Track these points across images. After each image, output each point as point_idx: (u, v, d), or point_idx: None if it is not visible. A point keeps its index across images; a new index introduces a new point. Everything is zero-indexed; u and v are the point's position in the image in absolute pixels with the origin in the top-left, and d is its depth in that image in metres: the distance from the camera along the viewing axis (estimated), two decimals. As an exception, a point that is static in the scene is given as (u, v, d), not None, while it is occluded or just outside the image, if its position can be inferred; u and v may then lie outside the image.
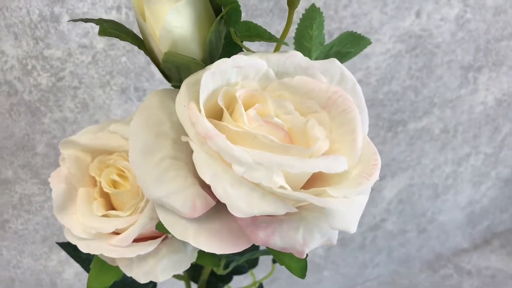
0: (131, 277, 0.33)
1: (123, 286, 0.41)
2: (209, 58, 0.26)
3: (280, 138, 0.24)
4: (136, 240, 0.29)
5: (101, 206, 0.30)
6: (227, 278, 0.46)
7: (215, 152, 0.23)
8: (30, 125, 0.53)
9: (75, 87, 0.52)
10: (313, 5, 0.32)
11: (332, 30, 0.60)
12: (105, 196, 0.31)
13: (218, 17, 0.25)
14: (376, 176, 0.24)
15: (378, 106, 0.73)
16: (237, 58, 0.24)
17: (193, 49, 0.25)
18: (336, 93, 0.25)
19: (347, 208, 0.24)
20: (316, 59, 0.33)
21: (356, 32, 0.34)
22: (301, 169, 0.22)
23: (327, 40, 0.34)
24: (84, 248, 0.29)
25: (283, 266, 0.28)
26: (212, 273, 0.45)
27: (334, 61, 0.27)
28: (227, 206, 0.23)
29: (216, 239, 0.25)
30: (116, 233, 0.29)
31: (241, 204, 0.23)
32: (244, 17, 0.55)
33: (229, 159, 0.22)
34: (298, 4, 0.26)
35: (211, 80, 0.23)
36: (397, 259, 1.02)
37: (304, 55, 0.32)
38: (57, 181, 0.29)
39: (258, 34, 0.25)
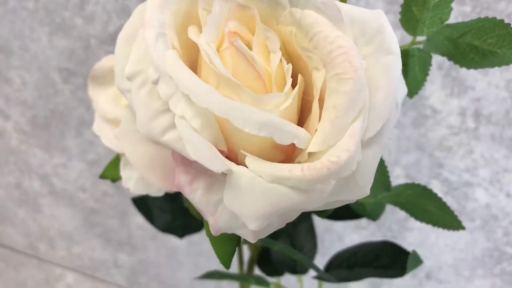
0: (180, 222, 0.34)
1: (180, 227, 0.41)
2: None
3: (244, 73, 0.19)
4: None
5: None
6: (278, 271, 0.40)
7: None
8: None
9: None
10: (442, -41, 0.22)
11: None
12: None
13: None
14: (318, 176, 0.16)
15: None
16: None
17: None
18: (340, 49, 0.17)
19: (250, 189, 0.17)
20: (428, 38, 0.24)
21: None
22: (208, 105, 0.16)
23: None
24: (95, 126, 0.29)
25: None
26: (264, 261, 0.40)
27: (379, 14, 0.18)
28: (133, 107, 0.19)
29: (148, 160, 0.22)
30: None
31: (145, 119, 0.18)
32: None
33: (149, 58, 0.18)
34: None
35: None
36: None
37: (408, 25, 0.24)
38: (111, 58, 0.30)
39: None
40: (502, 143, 0.51)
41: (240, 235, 0.19)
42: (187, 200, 0.28)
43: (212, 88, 0.16)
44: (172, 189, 0.22)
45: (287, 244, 0.38)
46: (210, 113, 0.17)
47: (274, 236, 0.39)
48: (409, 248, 0.64)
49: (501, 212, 0.56)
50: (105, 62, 0.30)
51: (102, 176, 0.32)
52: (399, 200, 0.29)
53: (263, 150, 0.18)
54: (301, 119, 0.20)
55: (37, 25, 0.62)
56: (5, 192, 0.91)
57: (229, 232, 0.19)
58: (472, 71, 0.47)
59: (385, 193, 0.28)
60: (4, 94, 0.73)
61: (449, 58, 0.25)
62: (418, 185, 0.28)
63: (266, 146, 0.18)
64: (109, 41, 0.60)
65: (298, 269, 0.38)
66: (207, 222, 0.23)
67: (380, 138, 0.18)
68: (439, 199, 0.27)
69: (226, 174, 0.18)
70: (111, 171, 0.32)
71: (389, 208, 0.66)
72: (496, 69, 0.46)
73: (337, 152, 0.16)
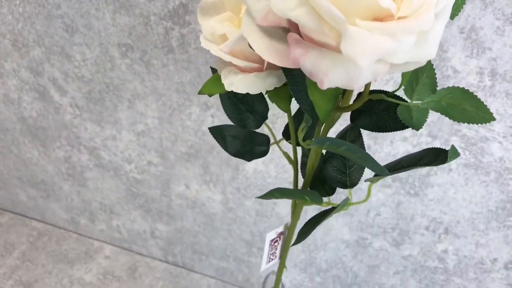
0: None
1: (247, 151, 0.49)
2: None
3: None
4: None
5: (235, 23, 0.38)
6: (329, 191, 0.48)
7: None
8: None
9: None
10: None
11: None
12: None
13: None
14: (408, 25, 0.24)
15: None
16: None
17: None
18: None
19: (362, 38, 0.25)
20: None
21: None
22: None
23: None
24: (203, 43, 0.37)
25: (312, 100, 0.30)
26: (317, 183, 0.48)
27: None
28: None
29: (267, 47, 0.30)
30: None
31: (279, 0, 0.27)
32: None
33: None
34: None
35: None
36: None
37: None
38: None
39: None
40: (514, 99, 0.59)
41: (343, 85, 0.27)
42: (272, 96, 0.36)
43: None
44: (287, 64, 0.30)
45: (341, 162, 0.46)
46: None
47: (330, 156, 0.47)
48: (430, 204, 0.71)
49: (513, 164, 0.64)
50: (206, -1, 0.38)
51: (201, 92, 0.40)
52: (440, 104, 0.37)
53: (366, 18, 0.26)
54: None
55: (102, 4, 0.71)
56: (54, 167, 0.98)
57: (334, 86, 0.27)
58: (489, 33, 0.55)
59: (431, 96, 0.36)
60: (64, 71, 0.82)
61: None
62: (458, 88, 0.36)
63: (368, 15, 0.26)
64: (167, 18, 0.69)
65: (349, 184, 0.46)
66: (313, 88, 0.31)
67: (444, 14, 0.27)
68: (475, 97, 0.35)
69: (331, 46, 0.27)
70: (209, 87, 0.40)
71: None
72: (511, 30, 0.54)
73: (420, 12, 0.25)
